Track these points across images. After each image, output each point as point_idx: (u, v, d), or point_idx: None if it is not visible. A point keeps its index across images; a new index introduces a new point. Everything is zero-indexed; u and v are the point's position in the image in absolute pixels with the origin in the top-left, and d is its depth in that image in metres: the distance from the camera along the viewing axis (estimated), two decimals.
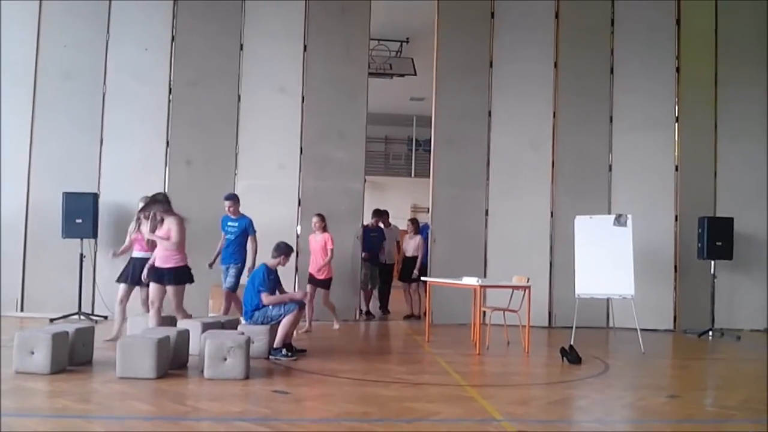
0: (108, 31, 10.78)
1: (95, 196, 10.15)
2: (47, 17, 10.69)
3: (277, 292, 7.61)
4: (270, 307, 7.46)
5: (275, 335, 7.43)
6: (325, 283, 9.67)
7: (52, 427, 4.68)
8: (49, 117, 10.58)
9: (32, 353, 6.10)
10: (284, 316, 7.42)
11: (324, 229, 9.76)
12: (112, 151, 10.64)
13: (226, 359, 6.18)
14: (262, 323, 7.45)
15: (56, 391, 5.59)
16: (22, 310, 10.28)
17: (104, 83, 10.72)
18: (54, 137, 10.55)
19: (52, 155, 10.53)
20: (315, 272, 9.66)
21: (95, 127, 10.65)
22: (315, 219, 9.83)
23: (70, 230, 9.81)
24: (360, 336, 9.95)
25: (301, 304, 7.64)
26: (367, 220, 11.99)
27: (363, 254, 11.27)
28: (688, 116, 11.40)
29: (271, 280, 7.54)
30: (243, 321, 7.70)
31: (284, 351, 7.32)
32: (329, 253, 9.57)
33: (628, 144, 11.32)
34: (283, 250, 7.87)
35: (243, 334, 6.77)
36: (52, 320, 9.27)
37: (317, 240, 9.73)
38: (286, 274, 9.38)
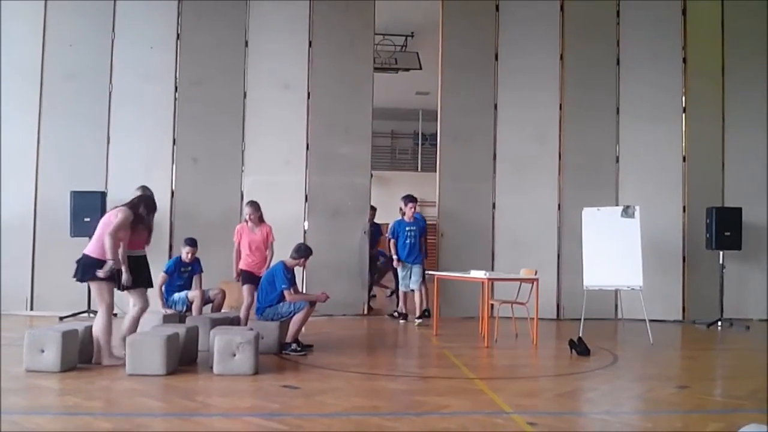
0: (113, 30, 10.78)
1: (103, 195, 10.17)
2: (52, 16, 10.69)
3: (292, 290, 7.58)
4: (281, 303, 7.47)
5: (285, 331, 7.46)
6: None
7: (63, 425, 4.70)
8: (55, 116, 10.60)
9: (42, 351, 6.13)
10: (295, 314, 7.44)
11: (261, 219, 8.58)
12: (119, 150, 10.66)
13: (235, 355, 6.20)
14: (272, 320, 7.47)
15: (66, 389, 5.63)
16: (31, 308, 10.31)
17: (110, 82, 10.74)
18: (61, 136, 10.57)
19: (60, 154, 10.55)
20: (256, 270, 8.33)
21: (102, 125, 10.66)
22: (249, 209, 8.54)
23: (78, 229, 9.82)
24: (367, 331, 9.95)
25: (312, 303, 7.64)
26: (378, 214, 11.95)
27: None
28: (695, 107, 11.35)
29: (289, 279, 7.55)
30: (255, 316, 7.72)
31: (294, 346, 7.35)
32: (271, 248, 8.50)
33: (635, 135, 11.28)
34: (304, 252, 7.83)
35: (252, 329, 6.79)
36: (61, 318, 9.31)
37: (255, 233, 8.48)
38: None
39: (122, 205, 6.80)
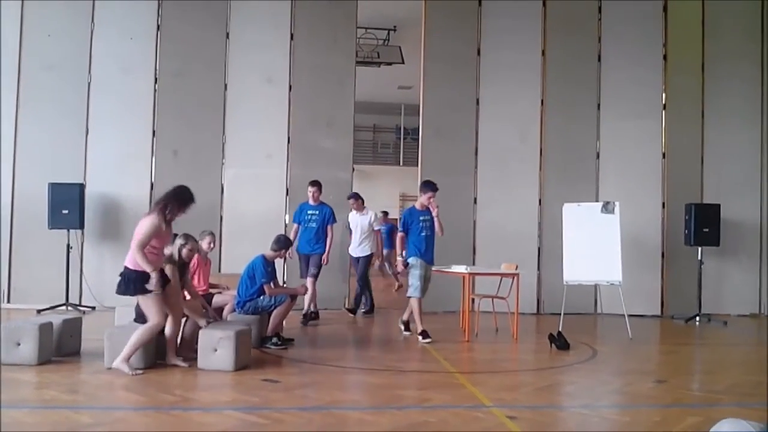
0: (92, 21, 10.65)
1: (81, 187, 10.07)
2: (30, 7, 10.53)
3: (271, 284, 7.56)
4: (261, 297, 7.44)
5: (265, 325, 7.43)
6: None
7: (41, 419, 4.66)
8: (33, 107, 10.45)
9: (18, 344, 6.06)
10: (275, 307, 7.41)
11: None
12: (98, 142, 10.54)
13: (216, 350, 6.16)
14: (253, 313, 7.43)
15: (44, 382, 5.57)
16: (8, 301, 10.19)
17: (89, 73, 10.60)
18: (39, 128, 10.43)
19: (38, 146, 10.41)
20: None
21: (81, 117, 10.54)
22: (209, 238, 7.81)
23: (56, 221, 9.74)
24: (348, 325, 9.93)
25: (293, 296, 7.61)
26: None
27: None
28: (675, 104, 11.43)
29: (269, 272, 7.52)
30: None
31: (275, 339, 7.33)
32: None
33: (616, 132, 11.35)
34: (284, 243, 7.85)
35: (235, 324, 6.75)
36: (39, 311, 9.21)
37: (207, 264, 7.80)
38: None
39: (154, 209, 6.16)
